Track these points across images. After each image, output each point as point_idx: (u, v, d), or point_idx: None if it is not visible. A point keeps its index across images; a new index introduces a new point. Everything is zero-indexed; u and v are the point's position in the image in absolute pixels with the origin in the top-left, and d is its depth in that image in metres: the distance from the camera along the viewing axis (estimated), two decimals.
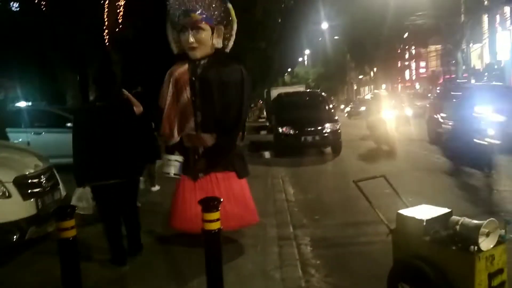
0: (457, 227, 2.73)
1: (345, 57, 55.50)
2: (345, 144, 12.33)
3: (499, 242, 2.71)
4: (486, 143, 8.05)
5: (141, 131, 4.57)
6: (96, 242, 4.81)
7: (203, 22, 4.37)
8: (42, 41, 14.05)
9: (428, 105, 15.52)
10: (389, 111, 12.33)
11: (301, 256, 4.51)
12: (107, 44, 14.24)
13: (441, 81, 41.59)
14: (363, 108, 26.00)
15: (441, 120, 12.46)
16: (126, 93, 4.76)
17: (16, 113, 10.05)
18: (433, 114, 13.43)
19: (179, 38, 4.55)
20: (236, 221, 4.49)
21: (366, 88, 63.04)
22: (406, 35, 39.85)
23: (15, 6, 14.88)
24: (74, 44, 14.12)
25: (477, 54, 31.08)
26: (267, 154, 12.28)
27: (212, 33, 4.46)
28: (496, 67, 25.55)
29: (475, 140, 8.36)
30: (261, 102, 42.20)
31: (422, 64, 47.02)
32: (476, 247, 2.58)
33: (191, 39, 4.37)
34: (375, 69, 48.84)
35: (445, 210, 3.00)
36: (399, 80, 51.36)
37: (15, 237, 4.28)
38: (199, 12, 4.36)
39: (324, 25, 45.14)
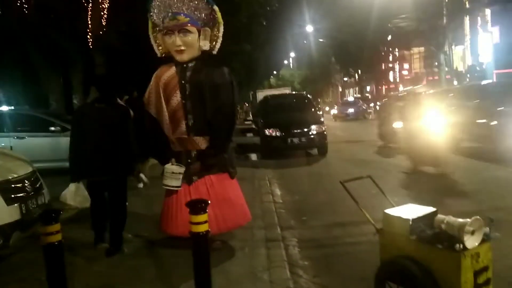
0: (443, 225, 2.76)
1: (330, 60, 55.83)
2: (332, 146, 12.39)
3: (483, 240, 2.75)
4: None
5: (135, 132, 4.67)
6: (81, 247, 4.76)
7: (190, 25, 4.36)
8: (25, 44, 13.86)
9: None
10: (433, 116, 8.96)
11: (289, 257, 4.52)
12: (91, 47, 14.10)
13: (424, 82, 42.13)
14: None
15: None
16: (125, 98, 4.85)
17: None
18: None
19: (163, 41, 4.51)
20: (233, 222, 4.52)
21: (351, 90, 63.49)
22: (389, 37, 40.24)
23: None
24: (58, 48, 13.95)
25: (460, 56, 31.55)
26: (253, 156, 12.29)
27: (199, 36, 4.44)
28: (478, 68, 25.97)
29: None
30: (247, 104, 42.31)
31: (406, 66, 47.54)
32: (461, 246, 2.61)
33: (179, 42, 4.35)
34: (359, 71, 49.26)
35: (431, 209, 3.03)
36: (384, 82, 51.83)
37: None
38: (185, 14, 4.35)
39: (309, 28, 45.45)
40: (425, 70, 41.53)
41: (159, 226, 4.70)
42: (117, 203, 4.60)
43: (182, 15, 4.35)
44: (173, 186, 4.37)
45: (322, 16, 41.26)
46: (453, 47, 28.58)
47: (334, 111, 34.44)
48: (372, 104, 36.85)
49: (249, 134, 20.77)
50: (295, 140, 11.81)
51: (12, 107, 12.64)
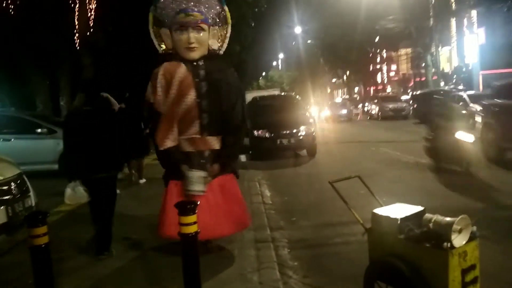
0: (430, 224, 2.78)
1: (318, 61, 56.09)
2: (320, 147, 12.43)
3: (471, 238, 2.77)
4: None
5: (125, 130, 4.76)
6: (69, 249, 4.72)
7: (203, 22, 4.27)
8: (11, 44, 13.69)
9: None
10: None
11: (279, 258, 4.52)
12: (78, 48, 13.98)
13: (411, 84, 42.55)
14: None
15: None
16: (105, 95, 4.86)
17: None
18: None
19: (172, 37, 4.31)
20: (240, 223, 4.48)
21: (340, 91, 63.83)
22: (377, 39, 40.57)
23: None
24: (45, 48, 13.81)
25: (446, 57, 31.95)
26: (242, 158, 12.26)
27: (208, 34, 4.36)
28: (464, 69, 26.33)
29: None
30: None
31: (393, 67, 48.02)
32: (449, 244, 2.63)
33: (193, 39, 4.21)
34: (348, 73, 49.56)
35: (419, 208, 3.05)
36: (372, 83, 52.25)
37: None
38: (200, 11, 4.25)
39: (298, 30, 45.64)
40: (412, 71, 41.99)
41: (160, 231, 4.31)
42: (108, 201, 4.65)
43: (197, 11, 4.23)
44: (198, 191, 4.13)
45: (310, 18, 41.49)
46: (439, 48, 28.90)
47: (326, 112, 33.38)
48: (360, 105, 37.04)
49: None
50: (284, 141, 11.81)
51: None
